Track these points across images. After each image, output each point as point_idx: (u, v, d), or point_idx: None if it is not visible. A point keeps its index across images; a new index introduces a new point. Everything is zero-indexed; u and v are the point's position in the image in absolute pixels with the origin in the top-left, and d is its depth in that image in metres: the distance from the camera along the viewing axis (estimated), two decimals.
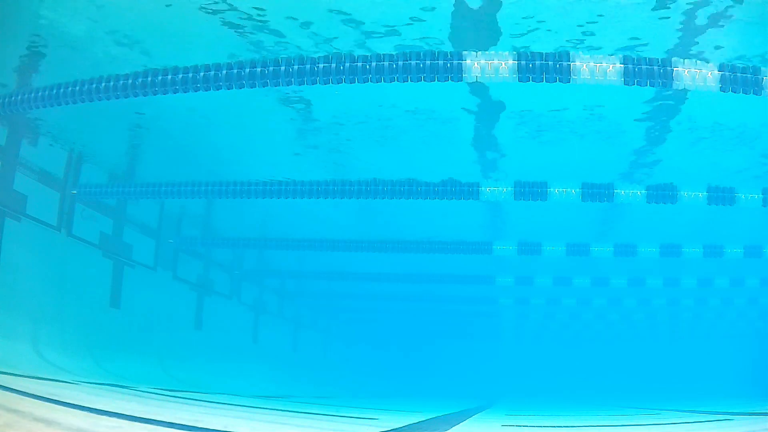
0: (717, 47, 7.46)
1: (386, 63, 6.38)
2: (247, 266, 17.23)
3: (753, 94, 6.40)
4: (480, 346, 29.65)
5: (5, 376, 6.67)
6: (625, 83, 6.36)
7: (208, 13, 7.15)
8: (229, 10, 7.08)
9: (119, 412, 5.05)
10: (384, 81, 6.44)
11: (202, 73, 6.68)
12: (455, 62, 6.32)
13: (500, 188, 9.51)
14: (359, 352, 26.63)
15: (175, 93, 6.86)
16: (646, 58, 6.44)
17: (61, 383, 7.30)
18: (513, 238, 13.27)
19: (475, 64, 6.31)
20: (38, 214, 9.95)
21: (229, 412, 6.83)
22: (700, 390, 21.13)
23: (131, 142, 11.05)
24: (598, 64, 6.30)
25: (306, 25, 7.38)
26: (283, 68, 6.56)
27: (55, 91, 7.25)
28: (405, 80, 6.42)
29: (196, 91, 6.78)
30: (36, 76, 8.46)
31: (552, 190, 9.45)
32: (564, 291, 18.74)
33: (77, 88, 7.13)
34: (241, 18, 7.25)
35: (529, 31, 7.33)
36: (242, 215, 14.05)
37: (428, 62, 6.34)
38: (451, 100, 9.22)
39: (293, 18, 7.27)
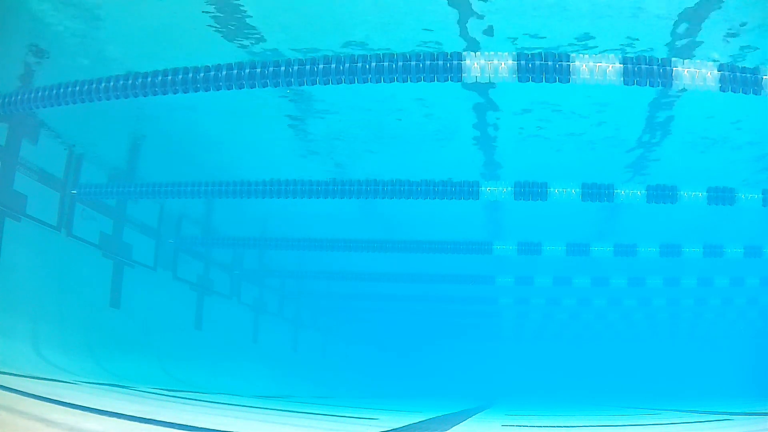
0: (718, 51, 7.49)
1: (386, 63, 6.38)
2: (247, 266, 17.23)
3: (753, 94, 6.40)
4: (480, 346, 29.63)
5: (5, 376, 6.67)
6: (625, 83, 6.36)
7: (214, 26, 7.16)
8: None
9: (119, 412, 5.05)
10: (384, 81, 6.44)
11: (202, 74, 6.68)
12: (455, 62, 6.32)
13: (500, 188, 9.50)
14: (359, 352, 26.63)
15: (175, 93, 6.85)
16: (646, 57, 6.44)
17: (61, 383, 7.30)
18: (513, 238, 13.27)
19: (475, 64, 6.31)
20: (38, 214, 9.94)
21: (229, 412, 6.83)
22: (700, 390, 21.12)
23: (131, 142, 11.05)
24: (597, 64, 6.30)
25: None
26: (283, 68, 6.56)
27: (55, 91, 7.24)
28: (405, 80, 6.42)
29: (196, 92, 6.78)
30: (36, 76, 8.47)
31: (552, 190, 9.45)
32: (564, 291, 18.73)
33: (77, 88, 7.13)
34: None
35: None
36: (242, 215, 14.05)
37: (428, 62, 6.34)
38: (452, 100, 9.22)
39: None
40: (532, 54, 6.34)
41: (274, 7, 7.16)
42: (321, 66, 6.50)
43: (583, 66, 6.29)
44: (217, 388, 11.25)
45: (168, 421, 4.99)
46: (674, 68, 6.33)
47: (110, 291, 11.85)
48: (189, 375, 12.50)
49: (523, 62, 6.30)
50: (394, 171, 10.29)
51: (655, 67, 6.34)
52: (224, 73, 6.63)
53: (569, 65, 6.29)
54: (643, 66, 6.33)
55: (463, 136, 10.40)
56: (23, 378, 6.88)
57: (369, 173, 10.33)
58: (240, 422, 5.73)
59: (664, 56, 7.37)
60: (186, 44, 7.68)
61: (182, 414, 5.89)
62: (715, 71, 6.33)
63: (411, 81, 6.42)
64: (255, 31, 7.51)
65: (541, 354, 29.46)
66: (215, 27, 7.44)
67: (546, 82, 6.37)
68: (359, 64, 6.41)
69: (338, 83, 6.54)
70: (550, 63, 6.29)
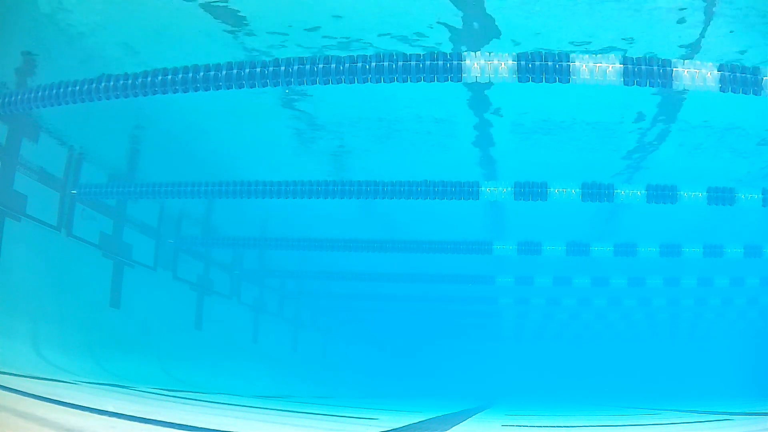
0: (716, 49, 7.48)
1: (386, 63, 6.38)
2: (247, 266, 17.23)
3: (753, 94, 6.39)
4: (480, 346, 29.64)
5: (5, 376, 6.67)
6: (625, 83, 6.36)
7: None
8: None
9: (119, 412, 5.05)
10: (384, 81, 6.44)
11: (202, 73, 6.68)
12: (455, 62, 6.32)
13: (500, 188, 9.50)
14: (359, 352, 26.63)
15: (175, 93, 6.86)
16: (646, 58, 6.44)
17: (61, 383, 7.30)
18: (513, 238, 13.27)
19: (475, 64, 6.31)
20: (38, 214, 9.95)
21: (229, 412, 6.83)
22: (700, 390, 21.12)
23: (131, 141, 11.05)
24: (597, 64, 6.30)
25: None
26: (283, 68, 6.56)
27: (55, 91, 7.24)
28: (405, 80, 6.42)
29: (196, 91, 6.78)
30: (36, 76, 8.47)
31: (552, 190, 9.44)
32: (564, 291, 18.72)
33: (77, 88, 7.13)
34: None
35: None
36: (242, 215, 14.05)
37: (428, 62, 6.34)
38: (452, 100, 9.22)
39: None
40: (532, 54, 6.34)
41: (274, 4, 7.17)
42: (321, 66, 6.50)
43: (583, 66, 6.29)
44: (217, 388, 11.25)
45: (168, 421, 4.99)
46: (674, 68, 6.33)
47: (110, 291, 11.85)
48: (189, 375, 12.50)
49: (523, 62, 6.30)
50: (394, 171, 10.29)
51: (655, 67, 6.33)
52: (224, 73, 6.64)
53: (569, 65, 6.29)
54: (643, 66, 6.33)
55: (463, 136, 10.40)
56: (23, 378, 6.88)
57: (369, 173, 10.33)
58: (240, 422, 5.73)
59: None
60: (186, 44, 7.68)
61: (182, 414, 5.89)
62: (715, 71, 6.33)
63: (411, 81, 6.42)
64: (251, 28, 7.50)
65: (541, 354, 29.46)
66: (213, 25, 7.44)
67: (546, 82, 6.37)
68: (359, 64, 6.41)
69: (338, 83, 6.54)
70: (550, 63, 6.29)
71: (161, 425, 4.66)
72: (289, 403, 9.60)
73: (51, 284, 10.13)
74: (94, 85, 7.04)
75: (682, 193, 9.38)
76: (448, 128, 10.14)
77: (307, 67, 6.51)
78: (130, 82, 6.91)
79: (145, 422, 4.73)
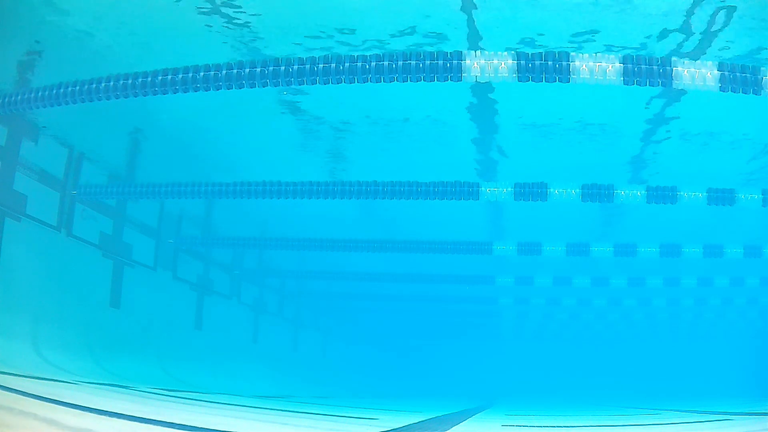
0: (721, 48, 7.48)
1: (386, 63, 6.37)
2: (247, 266, 17.22)
3: (753, 94, 6.39)
4: (480, 345, 29.65)
5: (5, 376, 6.67)
6: (625, 83, 6.36)
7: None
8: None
9: (119, 412, 5.04)
10: (384, 81, 6.44)
11: (202, 73, 6.68)
12: (455, 62, 6.31)
13: (500, 188, 9.49)
14: (359, 352, 26.63)
15: (175, 93, 6.85)
16: (646, 57, 6.43)
17: (61, 383, 7.30)
18: (513, 238, 13.27)
19: (475, 64, 6.30)
20: (38, 214, 9.94)
21: (229, 412, 6.83)
22: (700, 390, 21.12)
23: (131, 141, 11.05)
24: (597, 64, 6.29)
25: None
26: (283, 68, 6.56)
27: (55, 91, 7.24)
28: (405, 80, 6.41)
29: (196, 91, 6.78)
30: (36, 76, 8.46)
31: (552, 190, 9.44)
32: (564, 291, 18.72)
33: (77, 88, 7.13)
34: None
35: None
36: (242, 215, 14.05)
37: (428, 62, 6.33)
38: (452, 100, 9.22)
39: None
40: (532, 54, 6.34)
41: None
42: (321, 66, 6.49)
43: (583, 66, 6.28)
44: (217, 388, 11.25)
45: (168, 421, 4.99)
46: (674, 68, 6.33)
47: (110, 291, 11.85)
48: (189, 375, 12.50)
49: (523, 62, 6.29)
50: (394, 171, 10.29)
51: (655, 67, 6.33)
52: (224, 72, 6.63)
53: (569, 65, 6.28)
54: (643, 66, 6.33)
55: (463, 136, 10.40)
56: (23, 378, 6.88)
57: (369, 173, 10.33)
58: (240, 422, 5.73)
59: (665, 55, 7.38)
60: (186, 43, 7.68)
61: (182, 414, 5.89)
62: (715, 71, 6.33)
63: (411, 81, 6.41)
64: (251, 28, 7.51)
65: (541, 354, 29.47)
66: (210, 17, 7.44)
67: (546, 81, 6.36)
68: (359, 64, 6.41)
69: (338, 83, 6.54)
70: (550, 63, 6.28)
71: (161, 425, 4.66)
72: (289, 403, 9.59)
73: (51, 284, 10.12)
74: (94, 85, 7.04)
75: (682, 193, 9.38)
76: (448, 128, 10.14)
77: (307, 67, 6.51)
78: (130, 82, 6.91)
79: (145, 422, 4.73)
